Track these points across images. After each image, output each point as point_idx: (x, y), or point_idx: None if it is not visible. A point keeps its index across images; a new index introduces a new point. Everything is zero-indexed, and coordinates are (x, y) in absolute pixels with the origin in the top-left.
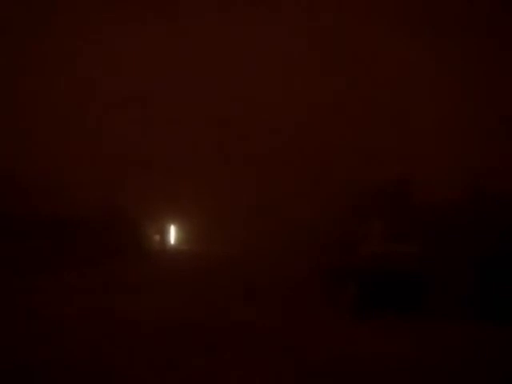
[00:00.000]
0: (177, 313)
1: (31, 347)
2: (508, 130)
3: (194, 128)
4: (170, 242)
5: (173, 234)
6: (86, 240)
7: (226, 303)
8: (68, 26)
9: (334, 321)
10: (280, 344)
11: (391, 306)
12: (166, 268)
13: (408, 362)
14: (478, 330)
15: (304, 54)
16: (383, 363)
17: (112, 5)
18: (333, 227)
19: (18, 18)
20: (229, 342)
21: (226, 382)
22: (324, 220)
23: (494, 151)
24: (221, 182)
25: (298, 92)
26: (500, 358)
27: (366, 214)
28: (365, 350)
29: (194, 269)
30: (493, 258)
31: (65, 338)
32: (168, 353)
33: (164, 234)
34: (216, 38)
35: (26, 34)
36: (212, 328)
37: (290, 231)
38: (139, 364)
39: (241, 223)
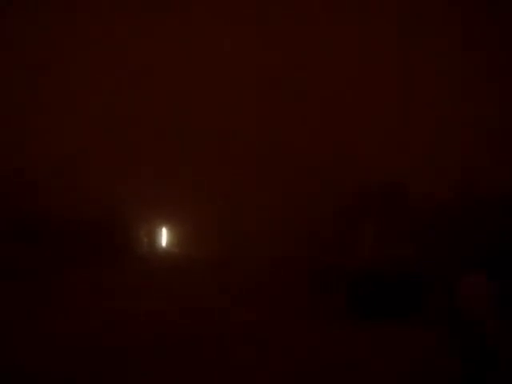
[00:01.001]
0: (167, 314)
1: (28, 347)
2: (504, 131)
3: (185, 132)
4: (160, 244)
5: (163, 237)
6: (78, 242)
7: (225, 304)
8: (68, 25)
9: (330, 322)
10: (278, 344)
11: (387, 307)
12: (156, 270)
13: (405, 362)
14: None
15: (304, 55)
16: (380, 364)
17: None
18: (329, 229)
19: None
20: (228, 343)
21: (224, 382)
22: (320, 222)
23: (490, 153)
24: (213, 184)
25: (295, 92)
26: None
27: (361, 215)
28: (361, 351)
29: (185, 271)
30: (490, 258)
31: (57, 341)
32: (162, 352)
33: (155, 236)
34: (221, 39)
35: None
36: (209, 330)
37: (285, 233)
38: (133, 363)
39: (233, 226)
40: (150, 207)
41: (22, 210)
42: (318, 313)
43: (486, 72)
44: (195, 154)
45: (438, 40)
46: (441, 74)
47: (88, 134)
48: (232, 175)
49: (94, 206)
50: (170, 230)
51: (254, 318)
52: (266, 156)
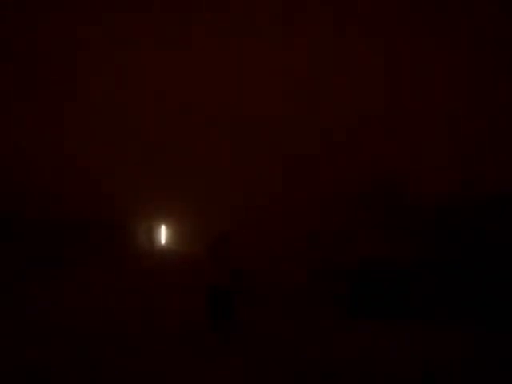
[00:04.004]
0: (168, 313)
1: (26, 347)
2: (505, 128)
3: (186, 127)
4: (160, 241)
5: (163, 234)
6: (78, 240)
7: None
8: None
9: (328, 321)
10: (278, 344)
11: (385, 306)
12: (157, 268)
13: (403, 362)
14: (472, 331)
15: (303, 56)
16: (377, 364)
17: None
18: (326, 227)
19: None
20: (227, 342)
21: (225, 382)
22: (317, 220)
23: (491, 150)
24: (213, 181)
25: (293, 90)
26: (495, 359)
27: (359, 213)
28: (359, 351)
29: (186, 269)
30: (488, 258)
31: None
32: (162, 352)
33: (154, 233)
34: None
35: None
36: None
37: (284, 233)
38: (132, 363)
39: (233, 223)
40: (148, 204)
41: (19, 209)
42: (318, 313)
43: (487, 70)
44: (197, 152)
45: (442, 39)
46: (440, 71)
47: (86, 131)
48: (231, 174)
49: (93, 205)
50: (167, 228)
51: (253, 317)
52: (266, 155)
